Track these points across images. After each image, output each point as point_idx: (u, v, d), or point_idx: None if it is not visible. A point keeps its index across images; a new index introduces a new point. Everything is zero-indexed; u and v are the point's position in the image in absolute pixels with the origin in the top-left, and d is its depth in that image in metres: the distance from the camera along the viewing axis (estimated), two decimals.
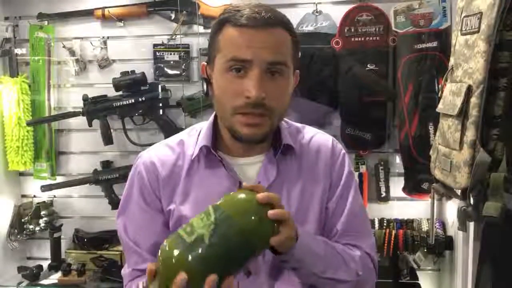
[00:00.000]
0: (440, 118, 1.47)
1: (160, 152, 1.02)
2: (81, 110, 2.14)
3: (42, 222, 2.26)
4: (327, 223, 1.01)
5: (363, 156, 2.07)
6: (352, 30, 1.98)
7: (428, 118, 1.86)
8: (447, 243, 1.90)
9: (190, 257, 0.74)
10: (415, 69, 1.89)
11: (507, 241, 1.23)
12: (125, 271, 1.02)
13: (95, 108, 2.12)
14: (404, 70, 1.92)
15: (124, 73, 2.11)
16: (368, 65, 1.97)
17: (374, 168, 2.08)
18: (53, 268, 2.19)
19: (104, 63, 2.22)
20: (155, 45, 2.17)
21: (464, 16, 1.33)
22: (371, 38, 1.97)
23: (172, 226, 0.98)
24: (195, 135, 1.02)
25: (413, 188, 1.98)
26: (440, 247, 1.90)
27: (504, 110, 1.21)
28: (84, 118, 2.13)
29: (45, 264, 2.22)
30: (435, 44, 1.87)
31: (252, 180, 0.97)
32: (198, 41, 2.13)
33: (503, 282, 1.26)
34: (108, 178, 2.18)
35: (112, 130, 2.17)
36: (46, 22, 2.21)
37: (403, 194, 2.04)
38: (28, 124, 2.19)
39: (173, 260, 0.74)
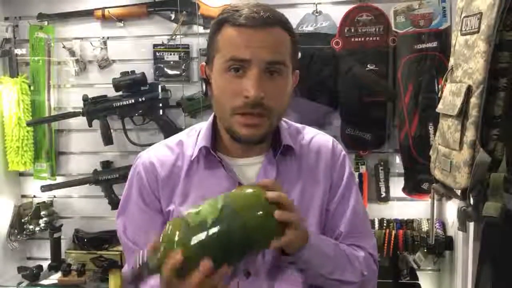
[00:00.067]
0: (440, 118, 1.47)
1: (159, 153, 1.02)
2: (81, 110, 2.14)
3: (42, 222, 2.26)
4: (328, 224, 1.00)
5: (363, 156, 2.07)
6: (352, 30, 1.98)
7: (428, 118, 1.86)
8: (447, 243, 1.90)
9: (190, 240, 0.76)
10: (415, 69, 1.89)
11: (507, 241, 1.23)
12: (125, 270, 1.02)
13: (95, 108, 2.12)
14: (404, 70, 1.92)
15: (124, 73, 2.11)
16: (368, 65, 1.97)
17: (374, 168, 2.08)
18: (53, 268, 2.19)
19: (104, 64, 2.22)
20: (155, 45, 2.17)
21: (464, 17, 1.33)
22: (371, 38, 1.97)
23: None
24: (194, 135, 1.02)
25: (413, 188, 1.98)
26: (440, 247, 1.90)
27: (504, 110, 1.21)
28: (84, 118, 2.13)
29: (45, 264, 2.22)
30: (435, 44, 1.87)
31: (251, 181, 0.97)
32: (198, 41, 2.13)
33: (503, 282, 1.26)
34: (108, 178, 2.18)
35: (112, 130, 2.17)
36: (46, 23, 2.22)
37: (403, 194, 2.04)
38: (28, 124, 2.19)
39: (174, 240, 0.76)
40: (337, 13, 2.01)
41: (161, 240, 0.78)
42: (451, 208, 1.86)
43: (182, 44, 2.14)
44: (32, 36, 2.22)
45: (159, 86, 2.14)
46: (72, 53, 2.22)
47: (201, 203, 0.81)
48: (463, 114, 1.29)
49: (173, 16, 2.14)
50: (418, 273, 2.00)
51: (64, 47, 2.22)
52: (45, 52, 2.22)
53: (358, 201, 1.04)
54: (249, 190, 0.82)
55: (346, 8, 2.00)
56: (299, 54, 1.90)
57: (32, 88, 2.24)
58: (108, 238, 2.22)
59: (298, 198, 0.98)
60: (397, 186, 2.06)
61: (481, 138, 1.23)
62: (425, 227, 1.97)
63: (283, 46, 0.91)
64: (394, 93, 1.98)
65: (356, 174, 1.99)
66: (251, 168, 0.99)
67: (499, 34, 1.18)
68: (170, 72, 2.17)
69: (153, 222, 0.98)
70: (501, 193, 1.17)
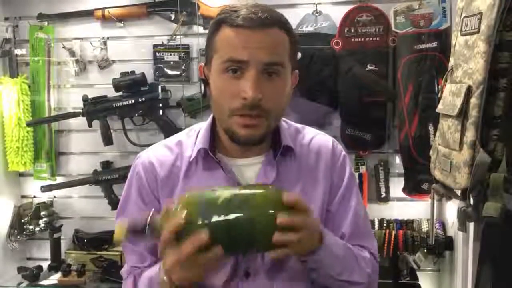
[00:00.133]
0: (440, 119, 1.47)
1: (158, 153, 1.02)
2: (81, 110, 2.14)
3: (42, 222, 2.26)
4: (329, 225, 1.00)
5: (363, 157, 2.07)
6: (352, 30, 1.98)
7: (428, 118, 1.86)
8: (447, 243, 1.89)
9: (198, 214, 0.77)
10: (415, 70, 1.89)
11: (507, 241, 1.23)
12: (124, 269, 1.02)
13: (95, 109, 2.12)
14: (404, 70, 1.92)
15: (124, 74, 2.10)
16: (368, 66, 1.97)
17: (374, 169, 2.08)
18: (53, 269, 2.19)
19: (104, 64, 2.22)
20: (155, 46, 2.17)
21: (464, 17, 1.33)
22: (371, 39, 1.97)
23: None
24: (193, 136, 1.02)
25: (413, 188, 1.98)
26: (440, 248, 1.90)
27: (504, 111, 1.21)
28: (84, 118, 2.13)
29: (45, 265, 2.22)
30: (435, 44, 1.87)
31: (251, 182, 0.97)
32: (198, 41, 2.13)
33: (503, 282, 1.26)
34: (108, 178, 2.18)
35: (112, 131, 2.17)
36: (46, 23, 2.21)
37: (403, 195, 2.04)
38: (28, 124, 2.19)
39: (186, 208, 0.77)
40: (337, 13, 2.01)
41: (175, 203, 0.80)
42: (451, 209, 1.86)
43: (182, 45, 2.14)
44: (32, 36, 2.22)
45: (159, 87, 2.14)
46: (72, 53, 2.22)
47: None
48: (463, 114, 1.28)
49: (173, 17, 2.14)
50: (418, 273, 2.00)
51: (64, 47, 2.22)
52: (45, 52, 2.22)
53: (359, 202, 1.04)
54: (270, 189, 0.83)
55: (346, 9, 2.00)
56: (299, 55, 1.92)
57: (32, 88, 2.24)
58: (108, 239, 2.22)
59: None
60: (397, 186, 2.06)
61: (481, 138, 1.23)
62: (425, 227, 1.97)
63: (281, 47, 0.90)
64: (394, 93, 1.98)
65: (356, 174, 1.99)
66: (251, 168, 0.99)
67: (499, 34, 1.18)
68: (170, 72, 2.17)
69: None
70: (501, 194, 1.17)
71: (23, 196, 2.36)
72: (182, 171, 0.99)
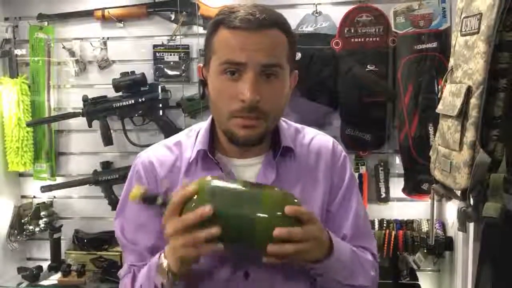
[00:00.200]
0: (439, 119, 1.47)
1: (158, 153, 1.02)
2: (81, 110, 2.13)
3: (42, 222, 2.26)
4: (330, 226, 0.99)
5: (363, 157, 2.07)
6: (352, 31, 1.98)
7: (428, 118, 1.86)
8: (447, 243, 1.89)
9: (208, 195, 0.81)
10: (415, 70, 1.89)
11: (507, 241, 1.23)
12: (122, 270, 1.02)
13: (95, 109, 2.12)
14: (404, 70, 1.92)
15: (124, 74, 2.10)
16: (368, 66, 1.97)
17: (374, 169, 2.08)
18: (53, 269, 2.19)
19: (104, 64, 2.22)
20: (155, 46, 2.17)
21: (464, 17, 1.33)
22: (371, 39, 1.97)
23: None
24: (193, 136, 1.02)
25: (413, 188, 1.98)
26: (440, 248, 1.90)
27: (504, 111, 1.21)
28: (84, 118, 2.13)
29: (45, 265, 2.22)
30: (434, 45, 1.87)
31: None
32: (198, 41, 2.13)
33: (503, 282, 1.26)
34: (108, 178, 2.18)
35: (112, 131, 2.17)
36: (46, 23, 2.21)
37: (403, 195, 2.03)
38: (28, 124, 2.19)
39: (199, 187, 0.82)
40: (337, 13, 2.01)
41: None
42: (451, 209, 1.86)
43: (182, 45, 2.14)
44: (32, 36, 2.22)
45: (159, 87, 2.13)
46: (72, 53, 2.21)
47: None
48: (463, 114, 1.28)
49: (173, 17, 2.14)
50: (418, 273, 2.00)
51: (64, 47, 2.21)
52: (45, 52, 2.22)
53: (359, 202, 1.04)
54: (280, 194, 0.84)
55: (346, 9, 1.99)
56: (299, 55, 1.92)
57: (32, 88, 2.24)
58: (108, 239, 2.22)
59: None
60: (397, 186, 2.06)
61: (481, 138, 1.23)
62: (425, 227, 1.97)
63: (279, 48, 0.90)
64: (394, 94, 1.98)
65: (356, 174, 1.99)
66: (250, 169, 0.99)
67: (499, 34, 1.18)
68: (170, 72, 2.17)
69: (152, 221, 0.98)
70: (501, 194, 1.17)
71: (23, 196, 2.36)
72: (182, 171, 0.99)
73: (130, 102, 2.11)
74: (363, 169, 2.05)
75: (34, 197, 2.34)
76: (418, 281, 1.98)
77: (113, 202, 2.18)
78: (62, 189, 2.24)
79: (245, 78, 0.87)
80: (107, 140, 2.15)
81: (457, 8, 1.43)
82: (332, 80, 2.00)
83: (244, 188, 0.84)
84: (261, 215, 0.80)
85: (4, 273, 2.24)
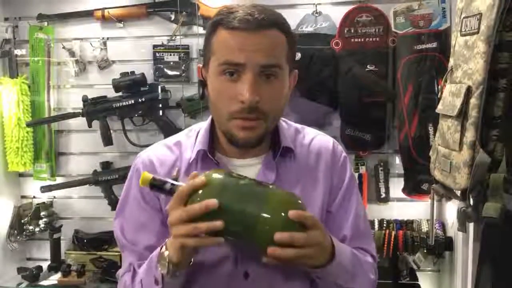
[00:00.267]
0: (439, 119, 1.47)
1: (158, 152, 1.02)
2: (80, 111, 2.14)
3: (41, 223, 2.26)
4: (330, 227, 0.99)
5: (362, 157, 2.07)
6: (352, 31, 1.98)
7: (428, 119, 1.86)
8: (447, 244, 1.89)
9: (216, 187, 0.81)
10: (415, 70, 1.89)
11: (506, 241, 1.23)
12: (120, 270, 1.02)
13: (95, 109, 2.12)
14: (404, 71, 1.92)
15: (123, 74, 2.10)
16: (368, 66, 1.97)
17: (373, 169, 2.08)
18: (52, 269, 2.19)
19: (104, 64, 2.22)
20: (154, 46, 2.17)
21: (464, 17, 1.33)
22: (370, 39, 1.97)
23: None
24: (193, 136, 1.02)
25: (413, 189, 1.98)
26: (440, 248, 1.90)
27: (504, 111, 1.21)
28: (84, 119, 2.13)
29: (45, 265, 2.22)
30: (434, 45, 1.87)
31: None
32: (198, 42, 2.13)
33: (503, 282, 1.26)
34: (108, 179, 2.18)
35: (111, 131, 2.17)
36: (45, 23, 2.22)
37: (402, 195, 2.03)
38: (28, 125, 2.19)
39: (207, 179, 0.82)
40: (337, 13, 2.01)
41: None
42: (451, 209, 1.86)
43: (182, 45, 2.14)
44: (32, 36, 2.22)
45: (159, 87, 2.14)
46: (71, 53, 2.22)
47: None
48: (462, 114, 1.28)
49: (173, 17, 2.14)
50: (418, 273, 2.00)
51: (63, 47, 2.22)
52: (44, 52, 2.22)
53: (359, 203, 1.04)
54: (286, 195, 0.84)
55: (345, 9, 1.99)
56: (299, 55, 1.92)
57: (31, 88, 2.24)
58: (108, 239, 2.22)
59: None
60: (396, 186, 2.06)
61: (481, 138, 1.23)
62: (425, 227, 1.97)
63: (279, 49, 0.89)
64: (393, 94, 1.98)
65: (356, 174, 1.99)
66: (250, 169, 0.98)
67: (498, 34, 1.18)
68: (170, 72, 2.17)
69: (152, 221, 0.98)
70: (500, 194, 1.17)
71: (23, 197, 2.36)
72: (182, 171, 0.98)
73: (130, 102, 2.11)
74: (363, 169, 2.05)
75: (34, 197, 2.34)
76: (418, 281, 1.98)
77: (113, 202, 2.18)
78: (62, 189, 2.24)
79: (244, 79, 0.87)
80: (107, 140, 2.15)
81: (457, 8, 1.43)
82: (332, 80, 2.00)
83: (251, 186, 0.84)
84: (265, 215, 0.79)
85: (4, 273, 2.24)
